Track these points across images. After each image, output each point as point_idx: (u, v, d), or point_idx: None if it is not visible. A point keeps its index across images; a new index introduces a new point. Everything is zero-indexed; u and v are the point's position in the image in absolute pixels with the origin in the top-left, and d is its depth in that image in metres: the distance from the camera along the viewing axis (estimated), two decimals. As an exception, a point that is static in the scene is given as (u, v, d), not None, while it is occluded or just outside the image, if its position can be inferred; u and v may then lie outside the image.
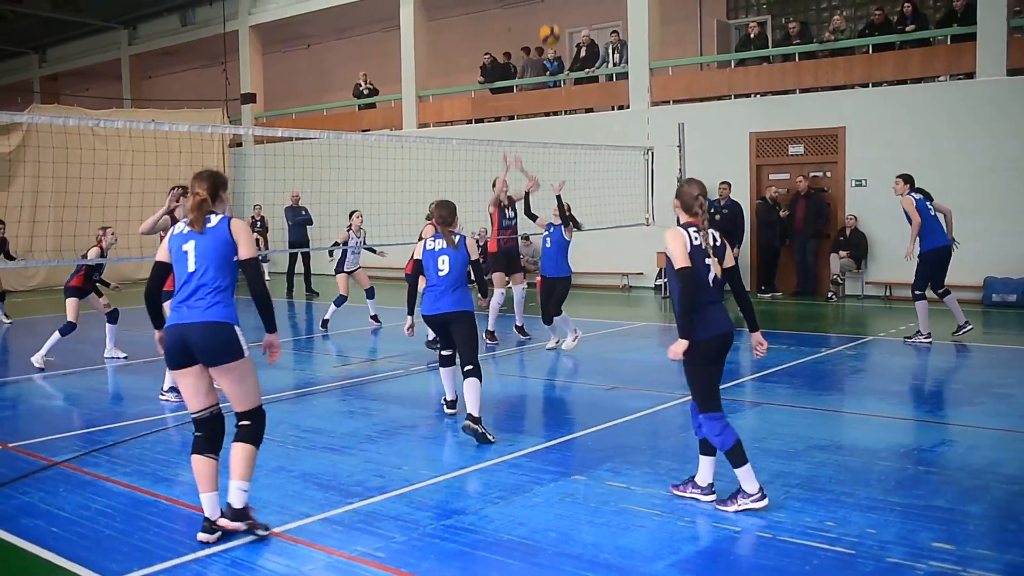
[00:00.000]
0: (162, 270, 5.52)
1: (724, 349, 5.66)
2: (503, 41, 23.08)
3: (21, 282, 21.96)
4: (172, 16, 28.30)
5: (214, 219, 5.37)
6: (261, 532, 5.25)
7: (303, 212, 19.87)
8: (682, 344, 5.44)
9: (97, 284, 11.79)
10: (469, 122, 22.21)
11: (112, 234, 11.50)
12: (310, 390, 9.53)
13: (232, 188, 21.99)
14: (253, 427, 5.43)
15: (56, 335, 11.17)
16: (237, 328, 5.30)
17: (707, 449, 5.77)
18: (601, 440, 7.30)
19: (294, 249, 19.17)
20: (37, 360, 10.99)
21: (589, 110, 20.55)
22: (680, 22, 20.37)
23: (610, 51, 20.01)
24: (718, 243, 5.67)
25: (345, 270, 14.38)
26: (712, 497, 5.71)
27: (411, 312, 8.13)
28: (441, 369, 8.21)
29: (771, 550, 4.95)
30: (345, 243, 14.07)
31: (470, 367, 7.46)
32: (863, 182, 16.50)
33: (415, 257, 7.95)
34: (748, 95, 18.07)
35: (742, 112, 17.82)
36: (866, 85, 16.74)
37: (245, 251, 5.35)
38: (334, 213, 14.48)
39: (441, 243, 7.67)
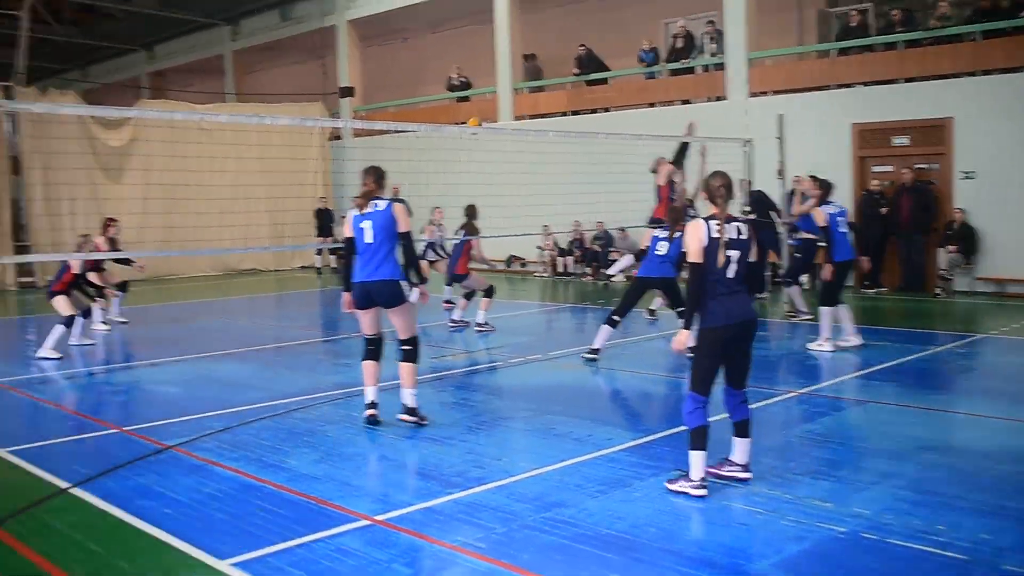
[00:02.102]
0: (351, 243, 7.52)
1: (737, 338, 5.84)
2: (598, 33, 22.97)
3: (131, 273, 22.67)
4: (273, 12, 28.88)
5: (381, 203, 7.42)
6: (424, 422, 7.57)
7: (403, 204, 20.15)
8: (684, 334, 5.86)
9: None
10: (564, 114, 22.18)
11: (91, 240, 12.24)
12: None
13: (330, 180, 22.69)
14: (412, 350, 7.64)
15: (59, 328, 11.64)
16: (402, 282, 7.44)
17: (742, 432, 6.01)
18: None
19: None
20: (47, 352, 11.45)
21: (686, 102, 20.32)
22: (778, 11, 19.99)
23: (706, 41, 19.75)
24: (742, 236, 5.81)
25: (427, 259, 14.70)
26: (749, 475, 5.98)
27: None
28: None
29: (879, 553, 4.85)
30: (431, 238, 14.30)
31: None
32: (972, 174, 15.97)
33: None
34: (850, 85, 17.62)
35: (843, 103, 17.40)
36: (974, 74, 16.17)
37: (403, 226, 7.43)
38: (432, 205, 14.60)
39: None
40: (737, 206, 14.62)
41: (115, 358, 11.72)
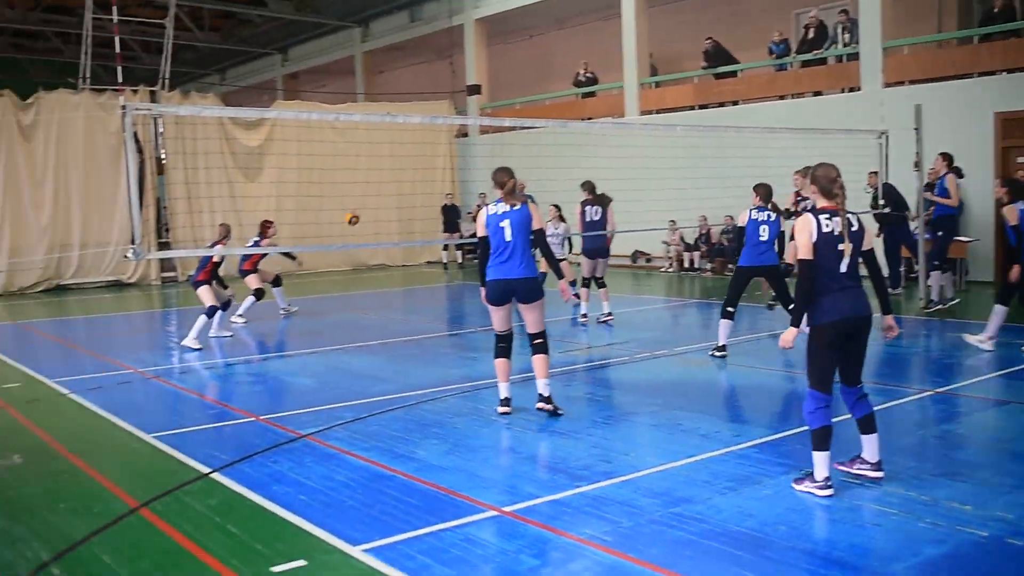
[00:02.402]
0: (485, 241, 7.79)
1: (850, 334, 5.70)
2: (727, 26, 22.62)
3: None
4: (402, 13, 29.41)
5: (518, 204, 7.69)
6: (560, 412, 7.78)
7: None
8: (791, 332, 5.74)
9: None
10: (691, 108, 21.91)
11: (274, 230, 12.49)
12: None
13: (457, 177, 23.00)
14: (544, 343, 7.90)
15: (202, 319, 12.15)
16: (538, 279, 7.76)
17: (866, 428, 5.85)
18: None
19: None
20: (191, 341, 11.92)
21: (817, 93, 19.80)
22: (916, -2, 19.31)
23: (839, 31, 19.19)
24: (854, 228, 5.68)
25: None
26: (881, 474, 5.81)
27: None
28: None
29: (1023, 560, 4.65)
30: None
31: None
32: None
33: None
34: (992, 73, 16.87)
35: (986, 91, 16.67)
36: None
37: (537, 223, 7.77)
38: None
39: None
40: (865, 201, 14.16)
41: (250, 350, 12.14)
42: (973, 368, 9.66)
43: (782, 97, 20.40)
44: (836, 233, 5.61)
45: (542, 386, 7.88)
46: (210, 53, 35.21)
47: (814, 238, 5.59)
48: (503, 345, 7.93)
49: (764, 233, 10.22)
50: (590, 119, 23.25)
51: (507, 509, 5.53)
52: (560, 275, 8.07)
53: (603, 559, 4.77)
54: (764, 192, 10.40)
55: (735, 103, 21.18)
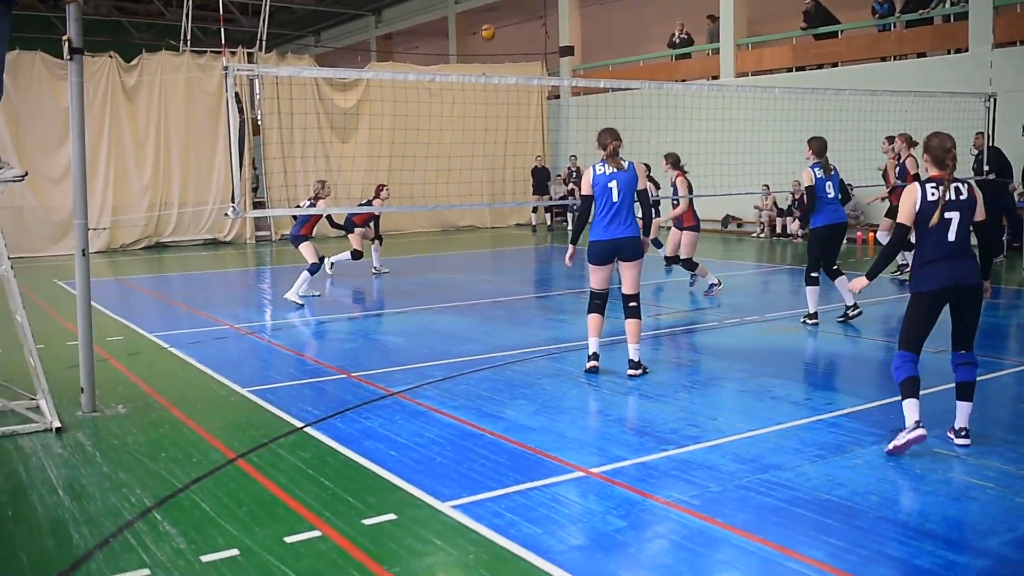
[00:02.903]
0: (589, 201, 7.91)
1: (952, 302, 5.81)
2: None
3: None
4: (497, -27, 29.30)
5: (624, 163, 7.80)
6: (647, 371, 7.96)
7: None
8: (861, 281, 6.07)
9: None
10: (790, 70, 21.41)
11: (328, 186, 12.68)
12: (622, 338, 9.70)
13: (548, 139, 22.90)
14: (638, 307, 7.99)
15: (305, 274, 12.32)
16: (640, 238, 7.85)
17: (961, 394, 5.92)
18: (928, 405, 6.83)
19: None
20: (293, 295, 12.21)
21: (921, 55, 19.15)
22: (1033, -47, 18.47)
23: (949, -11, 18.51)
24: (963, 196, 5.73)
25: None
26: (966, 441, 5.87)
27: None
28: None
29: None
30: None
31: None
32: None
33: None
34: (1115, 31, 16.08)
35: (1105, 52, 15.92)
36: None
37: (642, 184, 7.90)
38: (651, 164, 14.47)
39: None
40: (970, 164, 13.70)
41: (343, 308, 12.34)
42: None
43: (884, 59, 19.79)
44: (943, 201, 5.67)
45: (633, 351, 7.97)
46: (305, 15, 35.57)
47: (918, 207, 5.72)
48: (598, 302, 8.05)
49: (830, 190, 9.99)
50: (684, 81, 22.90)
51: (594, 470, 5.55)
52: (648, 232, 8.22)
53: (690, 522, 4.77)
54: (818, 146, 10.06)
55: (835, 65, 20.62)
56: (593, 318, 8.06)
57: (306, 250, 12.53)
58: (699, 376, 7.98)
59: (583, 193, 7.94)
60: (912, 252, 10.37)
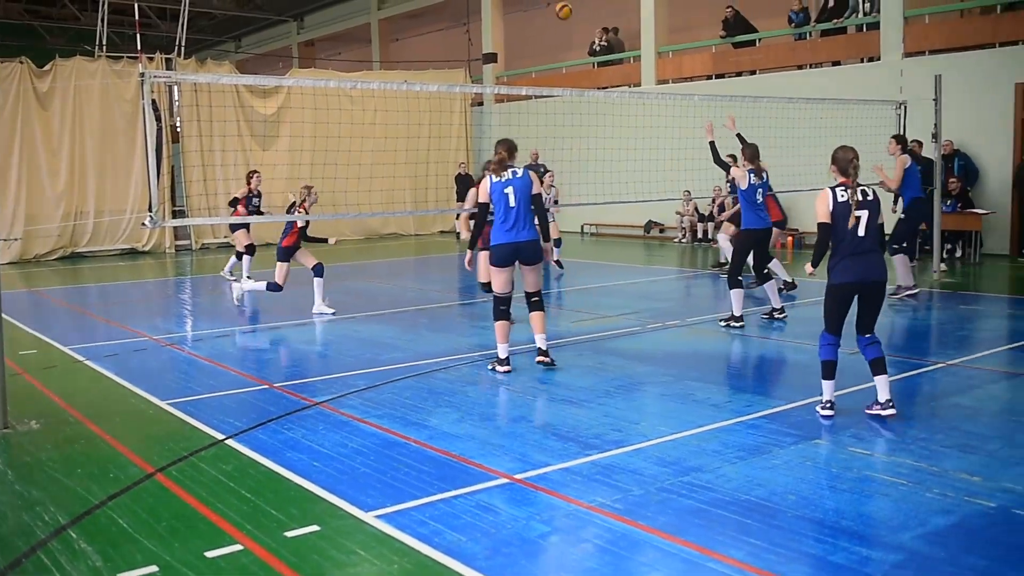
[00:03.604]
0: (485, 208, 8.32)
1: (860, 294, 6.57)
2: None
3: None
4: (420, -20, 29.25)
5: (519, 171, 8.20)
6: (555, 365, 8.34)
7: (542, 169, 20.14)
8: (810, 266, 6.73)
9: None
10: (710, 78, 21.76)
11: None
12: (548, 344, 9.75)
13: (472, 146, 22.90)
14: (541, 300, 8.43)
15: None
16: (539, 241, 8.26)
17: (876, 370, 6.63)
18: (843, 405, 7.05)
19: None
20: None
21: (836, 63, 19.64)
22: (939, -34, 19.05)
23: (860, 0, 18.99)
24: (869, 197, 6.57)
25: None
26: (892, 411, 6.56)
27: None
28: None
29: (1031, 528, 4.67)
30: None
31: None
32: None
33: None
34: (1016, 43, 16.66)
35: (1008, 61, 16.48)
36: None
37: (537, 188, 8.24)
38: (573, 171, 14.60)
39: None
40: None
41: (264, 318, 12.19)
42: (985, 340, 9.65)
43: (801, 67, 20.23)
44: (851, 202, 6.47)
45: (540, 340, 8.45)
46: (226, 20, 35.10)
47: (831, 207, 6.48)
48: (504, 307, 8.37)
49: (759, 196, 10.34)
50: (607, 88, 23.13)
51: (518, 476, 5.57)
52: (547, 238, 8.53)
53: (613, 526, 4.81)
54: (750, 153, 10.44)
55: (753, 72, 21.03)
56: (502, 325, 8.34)
57: (302, 257, 12.02)
58: (622, 381, 8.05)
59: (479, 200, 8.33)
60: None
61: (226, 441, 6.45)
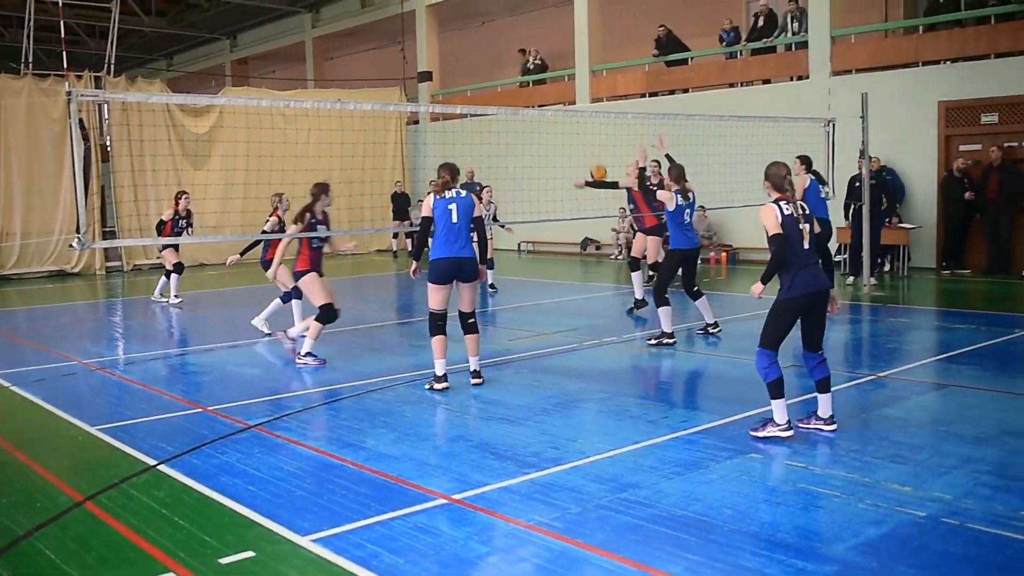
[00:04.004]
0: (429, 222, 8.35)
1: (812, 305, 6.54)
2: (679, 13, 22.74)
3: (216, 256, 23.21)
4: (354, -2, 29.18)
5: (462, 192, 8.37)
6: (481, 383, 8.48)
7: (478, 187, 20.14)
8: (758, 287, 6.57)
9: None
10: (643, 96, 22.01)
11: (286, 200, 11.79)
12: (484, 363, 9.72)
13: (408, 164, 22.81)
14: (475, 322, 8.57)
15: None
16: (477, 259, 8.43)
17: (823, 388, 6.70)
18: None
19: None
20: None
21: (767, 81, 20.01)
22: (864, -13, 19.54)
23: (789, 20, 19.38)
24: (806, 212, 6.61)
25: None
26: (834, 426, 6.66)
27: None
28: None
29: (958, 537, 4.77)
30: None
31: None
32: (1064, 152, 15.47)
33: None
34: (937, 62, 17.14)
35: (930, 80, 16.95)
36: (1070, 48, 15.60)
37: (479, 211, 8.45)
38: (509, 189, 14.64)
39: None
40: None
41: (199, 339, 12.01)
42: (914, 352, 9.86)
43: (732, 85, 20.58)
44: (796, 216, 6.50)
45: (474, 362, 8.62)
46: (157, 38, 34.60)
47: (780, 219, 6.46)
48: (440, 323, 8.43)
49: (687, 217, 10.46)
50: (541, 106, 23.27)
51: (456, 497, 5.55)
52: (485, 259, 8.84)
53: (551, 545, 4.81)
54: (676, 173, 10.49)
55: (686, 91, 21.32)
56: (438, 340, 8.41)
57: (281, 275, 11.57)
58: (559, 398, 8.07)
59: (423, 215, 8.44)
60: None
61: (158, 467, 6.32)
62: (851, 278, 15.02)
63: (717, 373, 9.29)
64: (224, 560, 4.71)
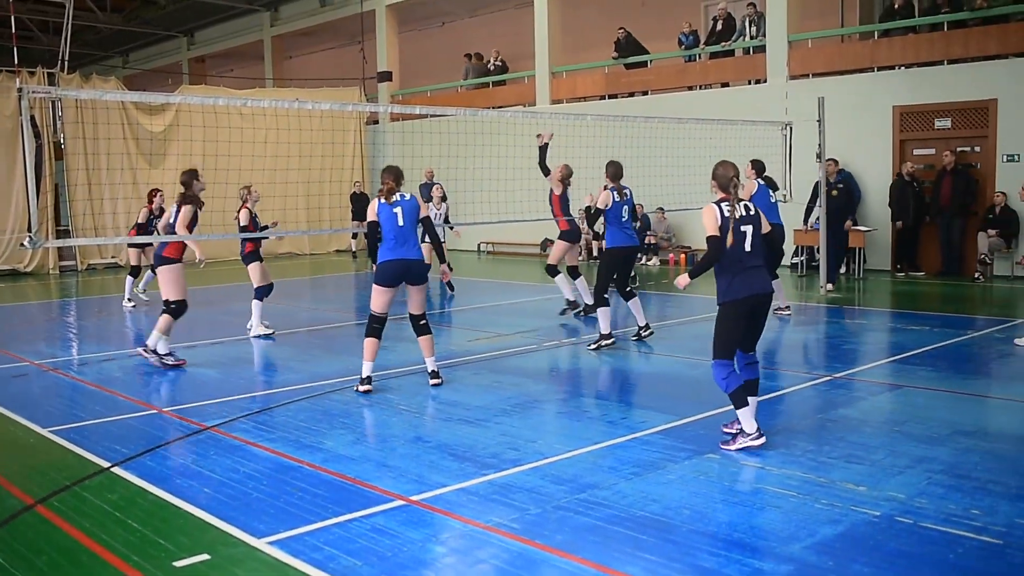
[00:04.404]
0: (375, 226, 8.22)
1: (755, 309, 6.42)
2: (638, 16, 22.85)
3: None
4: (313, -3, 29.00)
5: (407, 195, 8.30)
6: (440, 383, 8.44)
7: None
8: (684, 278, 6.56)
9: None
10: (603, 98, 22.09)
11: (255, 191, 11.79)
12: (444, 364, 9.70)
13: (367, 165, 22.68)
14: (427, 323, 8.55)
15: (256, 304, 11.65)
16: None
17: (752, 390, 6.49)
18: (729, 420, 7.22)
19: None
20: (260, 331, 11.59)
21: (725, 85, 20.17)
22: (821, -8, 19.75)
23: (747, 24, 19.56)
24: (751, 212, 6.47)
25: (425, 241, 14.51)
26: (762, 440, 6.33)
27: None
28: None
29: (912, 536, 4.83)
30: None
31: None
32: (1016, 157, 15.73)
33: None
34: (892, 67, 17.38)
35: (886, 85, 17.18)
36: (1021, 55, 15.86)
37: (424, 212, 8.42)
38: (469, 190, 14.63)
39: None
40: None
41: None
42: (869, 353, 9.98)
43: (691, 88, 20.71)
44: (736, 217, 6.37)
45: (431, 363, 8.60)
46: (112, 35, 34.13)
47: (719, 222, 6.34)
48: (377, 326, 8.40)
49: (625, 214, 10.40)
50: (501, 107, 23.28)
51: (414, 498, 5.52)
52: (443, 258, 9.12)
53: (510, 546, 4.80)
54: (614, 171, 10.51)
55: (645, 93, 21.42)
56: (370, 341, 8.35)
57: (252, 271, 11.65)
58: (518, 399, 8.06)
59: (368, 219, 8.33)
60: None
61: (112, 469, 6.23)
62: (830, 285, 14.95)
63: (676, 374, 9.33)
64: (178, 563, 4.65)
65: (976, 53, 16.35)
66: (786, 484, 5.66)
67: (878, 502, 5.30)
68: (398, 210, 8.20)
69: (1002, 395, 8.11)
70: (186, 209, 9.80)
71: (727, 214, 6.36)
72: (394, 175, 8.34)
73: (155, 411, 7.90)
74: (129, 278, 14.86)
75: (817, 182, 15.09)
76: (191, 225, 9.86)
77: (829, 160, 16.13)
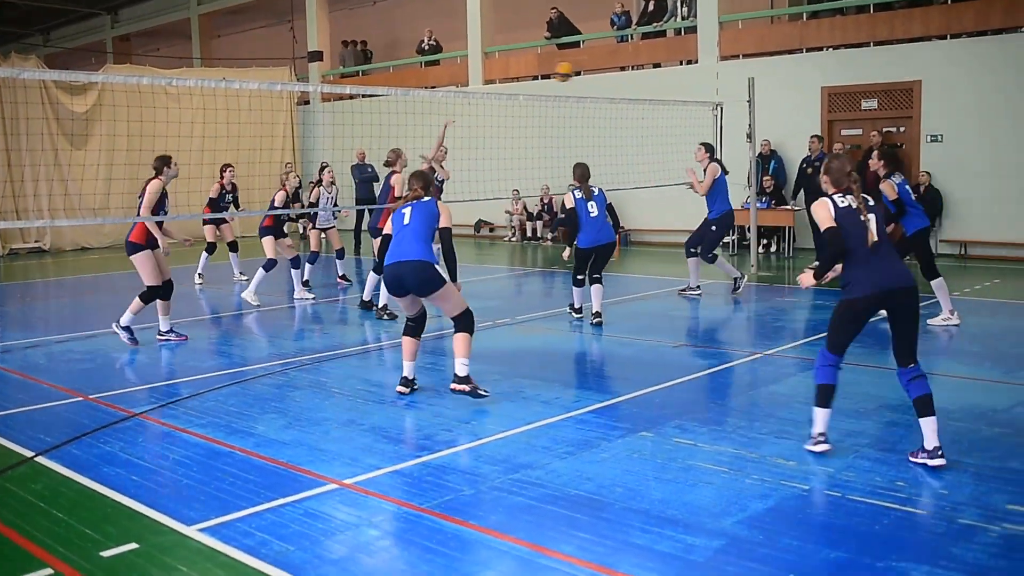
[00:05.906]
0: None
1: (879, 306, 5.68)
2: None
3: (99, 239, 22.52)
4: (240, -26, 28.47)
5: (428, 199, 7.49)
6: (482, 392, 7.14)
7: (369, 169, 19.82)
8: (808, 277, 5.79)
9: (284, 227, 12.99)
10: (535, 78, 22.06)
11: (296, 176, 12.26)
12: (376, 345, 9.64)
13: (299, 145, 22.35)
14: (464, 321, 7.35)
15: (261, 272, 12.27)
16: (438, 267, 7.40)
17: (921, 410, 5.60)
18: (668, 397, 7.29)
19: (361, 206, 19.08)
20: (249, 297, 12.15)
21: (657, 65, 20.28)
22: (750, -26, 19.94)
23: (678, 5, 19.67)
24: (870, 203, 5.82)
25: (317, 226, 14.52)
26: (941, 461, 5.46)
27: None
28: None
29: (840, 509, 4.92)
30: (316, 201, 13.94)
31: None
32: (939, 137, 16.10)
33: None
34: (820, 48, 17.64)
35: (814, 66, 17.43)
36: (944, 37, 16.22)
37: (445, 222, 7.48)
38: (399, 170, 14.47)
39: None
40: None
41: (80, 326, 11.59)
42: (797, 330, 10.15)
43: (623, 68, 20.79)
44: (854, 207, 5.73)
45: (458, 365, 7.32)
46: (33, 12, 33.14)
47: (834, 212, 5.70)
48: (412, 324, 7.63)
49: (593, 210, 10.39)
50: (434, 87, 23.14)
51: (348, 481, 5.48)
52: (455, 278, 7.66)
53: (445, 527, 4.79)
54: (580, 172, 10.54)
55: (578, 73, 21.41)
56: (404, 340, 7.60)
57: (266, 244, 12.47)
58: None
59: (383, 232, 7.67)
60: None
61: (36, 458, 6.08)
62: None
63: (610, 353, 9.39)
64: (106, 553, 4.56)
65: (901, 35, 16.66)
66: (717, 460, 5.73)
67: (807, 476, 5.40)
68: (407, 210, 7.43)
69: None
70: (151, 194, 9.68)
71: (843, 204, 5.72)
72: (423, 181, 7.58)
73: (81, 398, 7.71)
74: (204, 254, 15.45)
75: (803, 160, 15.19)
76: (157, 210, 9.76)
77: (813, 137, 16.37)
